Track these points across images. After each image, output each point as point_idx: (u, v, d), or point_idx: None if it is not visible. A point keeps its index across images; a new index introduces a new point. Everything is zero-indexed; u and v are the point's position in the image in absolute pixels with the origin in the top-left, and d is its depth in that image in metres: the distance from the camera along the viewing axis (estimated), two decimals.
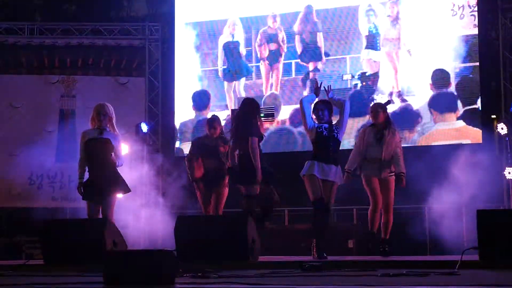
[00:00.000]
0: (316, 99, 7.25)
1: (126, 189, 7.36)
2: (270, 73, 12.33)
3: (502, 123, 10.79)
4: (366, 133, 7.58)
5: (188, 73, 12.72)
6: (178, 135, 12.68)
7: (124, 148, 11.50)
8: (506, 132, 10.77)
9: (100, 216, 7.19)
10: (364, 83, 11.68)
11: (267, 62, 12.32)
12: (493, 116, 11.02)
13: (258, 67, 12.38)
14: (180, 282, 4.10)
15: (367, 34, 11.82)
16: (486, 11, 11.54)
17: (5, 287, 3.92)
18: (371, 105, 7.98)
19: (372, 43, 11.78)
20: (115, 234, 6.76)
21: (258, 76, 12.37)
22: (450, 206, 9.88)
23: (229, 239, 6.45)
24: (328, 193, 7.00)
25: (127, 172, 10.29)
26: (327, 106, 7.18)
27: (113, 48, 13.17)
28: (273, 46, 12.33)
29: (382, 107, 7.62)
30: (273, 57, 12.33)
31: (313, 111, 7.18)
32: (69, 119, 12.74)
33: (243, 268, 5.78)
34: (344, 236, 9.20)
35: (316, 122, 7.15)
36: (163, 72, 13.10)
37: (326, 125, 7.10)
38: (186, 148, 12.41)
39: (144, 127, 12.30)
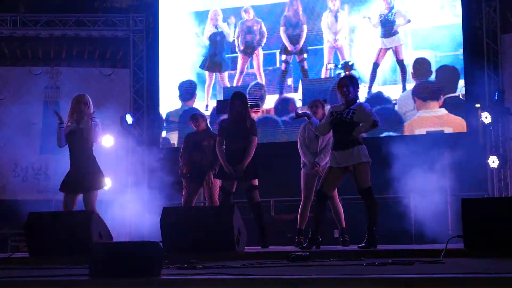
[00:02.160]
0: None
1: (102, 184, 7.37)
2: (247, 64, 12.33)
3: (486, 112, 10.85)
4: (306, 129, 7.75)
5: (173, 63, 12.69)
6: (165, 124, 12.65)
7: (109, 139, 11.52)
8: (490, 121, 10.83)
9: (75, 208, 7.25)
10: (347, 72, 11.71)
11: (242, 53, 12.36)
12: (477, 105, 11.08)
13: (236, 58, 12.42)
14: (166, 273, 4.10)
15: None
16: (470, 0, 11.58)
17: None
18: (310, 102, 8.01)
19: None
20: (101, 226, 6.74)
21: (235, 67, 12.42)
22: (435, 195, 9.93)
23: (215, 230, 6.45)
24: (357, 178, 6.76)
25: (112, 164, 10.30)
26: (352, 82, 6.88)
27: (97, 39, 13.10)
28: (249, 37, 12.34)
29: (322, 103, 7.78)
30: (250, 48, 12.34)
31: (337, 87, 6.93)
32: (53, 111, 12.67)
33: (229, 259, 5.78)
34: (330, 226, 9.23)
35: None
36: (148, 63, 13.05)
37: (341, 109, 6.83)
38: (173, 137, 12.36)
39: (129, 119, 12.25)
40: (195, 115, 8.55)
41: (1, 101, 12.56)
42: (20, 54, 13.04)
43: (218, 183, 8.08)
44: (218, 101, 12.25)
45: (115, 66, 13.13)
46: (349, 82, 6.86)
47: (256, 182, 7.70)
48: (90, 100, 7.42)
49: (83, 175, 7.24)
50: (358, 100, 6.88)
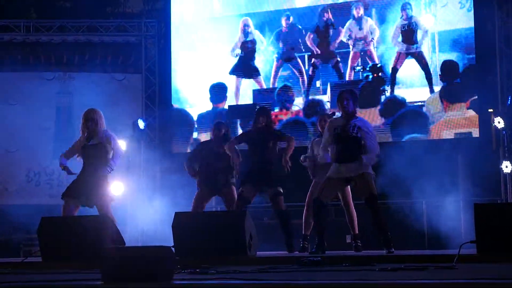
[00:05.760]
0: None
1: (110, 199, 7.44)
2: (281, 68, 12.31)
3: (499, 117, 10.79)
4: (315, 143, 7.84)
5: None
6: (196, 126, 12.54)
7: (122, 144, 11.53)
8: (503, 126, 10.77)
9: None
10: (375, 75, 11.66)
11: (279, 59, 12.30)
12: (490, 110, 11.02)
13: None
14: (178, 278, 4.10)
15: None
16: (482, 3, 11.51)
17: (3, 285, 3.91)
18: (319, 116, 8.22)
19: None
20: (113, 231, 6.75)
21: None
22: (448, 200, 9.89)
23: (227, 235, 6.45)
24: (363, 185, 6.88)
25: (124, 169, 10.31)
26: (352, 96, 7.06)
27: (109, 44, 13.14)
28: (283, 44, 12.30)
29: (329, 117, 7.88)
30: (285, 54, 12.30)
31: (337, 100, 7.08)
32: (65, 116, 12.73)
33: (241, 263, 5.77)
34: (342, 231, 9.22)
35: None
36: (160, 68, 13.08)
37: (342, 123, 6.96)
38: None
39: (141, 124, 12.28)
40: (220, 124, 8.44)
41: (14, 106, 12.62)
42: (33, 59, 13.11)
43: (234, 191, 8.05)
44: (229, 106, 12.27)
45: (127, 72, 13.17)
46: (350, 96, 7.05)
47: (280, 188, 7.76)
48: (100, 115, 7.45)
49: (90, 185, 7.28)
50: (357, 115, 7.03)
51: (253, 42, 12.48)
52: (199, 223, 6.73)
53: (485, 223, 5.86)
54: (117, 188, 10.46)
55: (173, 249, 5.27)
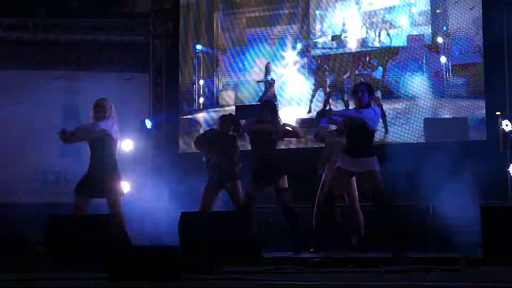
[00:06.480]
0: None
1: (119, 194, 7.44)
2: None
3: (506, 120, 10.76)
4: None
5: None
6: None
7: (129, 144, 11.57)
8: (510, 129, 10.74)
9: (86, 211, 7.33)
10: None
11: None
12: (498, 113, 10.98)
13: None
14: (184, 277, 4.11)
15: None
16: (490, 5, 11.48)
17: (10, 283, 3.93)
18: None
19: None
20: (120, 230, 6.78)
21: None
22: (454, 203, 9.87)
23: (233, 234, 6.46)
24: (370, 184, 6.84)
25: (131, 168, 10.31)
26: (367, 88, 7.01)
27: (117, 44, 13.14)
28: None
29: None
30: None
31: (353, 93, 7.03)
32: (72, 115, 12.73)
33: (248, 264, 5.78)
34: (348, 232, 9.21)
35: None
36: (167, 68, 13.09)
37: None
38: None
39: (148, 123, 12.30)
40: (225, 117, 8.44)
41: (21, 104, 12.64)
42: (40, 58, 13.12)
43: (240, 186, 8.05)
44: (237, 106, 12.27)
45: (135, 71, 13.17)
46: (365, 88, 6.98)
47: (284, 184, 7.67)
48: (109, 103, 7.48)
49: (101, 179, 7.28)
50: (371, 106, 6.99)
51: None
52: (205, 223, 6.74)
53: (492, 226, 5.86)
54: (123, 187, 10.48)
55: (179, 248, 5.27)
